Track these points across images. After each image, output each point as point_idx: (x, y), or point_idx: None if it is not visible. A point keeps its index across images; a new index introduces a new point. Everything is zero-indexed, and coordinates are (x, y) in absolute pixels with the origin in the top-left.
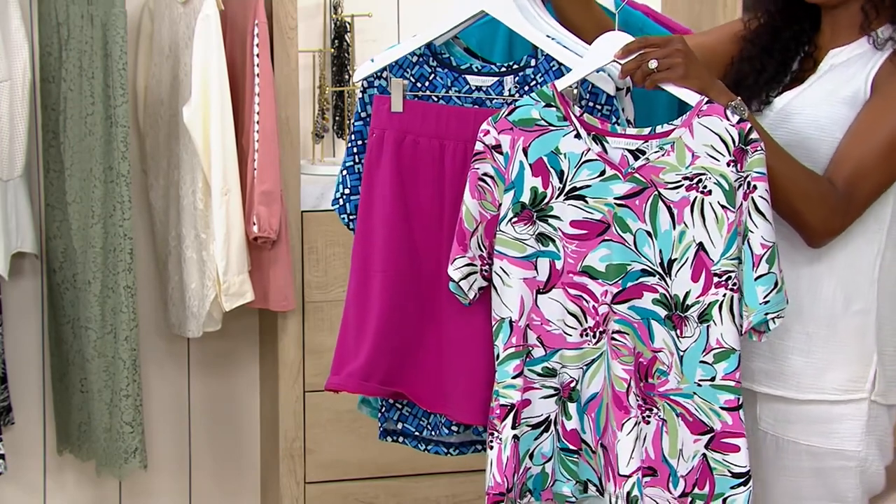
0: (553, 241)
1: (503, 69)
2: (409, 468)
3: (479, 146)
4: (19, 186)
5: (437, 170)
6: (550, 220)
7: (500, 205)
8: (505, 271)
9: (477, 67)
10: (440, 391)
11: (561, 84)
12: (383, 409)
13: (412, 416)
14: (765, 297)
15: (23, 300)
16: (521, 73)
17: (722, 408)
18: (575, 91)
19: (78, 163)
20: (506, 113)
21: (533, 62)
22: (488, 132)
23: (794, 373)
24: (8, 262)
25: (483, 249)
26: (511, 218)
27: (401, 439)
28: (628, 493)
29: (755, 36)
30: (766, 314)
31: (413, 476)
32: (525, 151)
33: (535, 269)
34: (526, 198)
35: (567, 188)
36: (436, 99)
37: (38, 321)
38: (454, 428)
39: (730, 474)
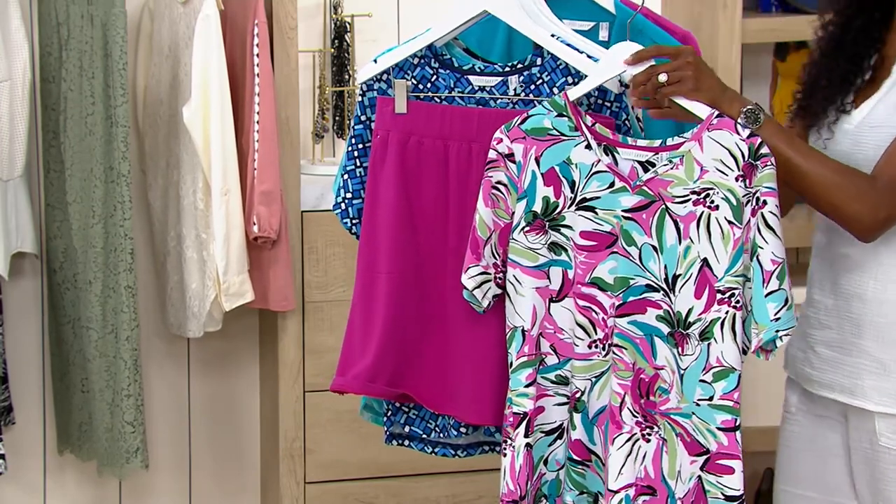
0: (565, 250)
1: (507, 69)
2: (409, 468)
3: (492, 154)
4: (19, 186)
5: (441, 171)
6: (563, 230)
7: (514, 213)
8: (518, 280)
9: (479, 68)
10: (447, 392)
11: (573, 94)
12: (389, 412)
13: (419, 419)
14: (776, 315)
15: (23, 300)
16: (526, 73)
17: (718, 428)
18: None
19: (78, 163)
20: (519, 122)
21: (539, 61)
22: (501, 140)
23: None
24: (8, 262)
25: (497, 257)
26: (523, 227)
27: (407, 443)
28: None
29: (825, 36)
30: (777, 331)
31: (413, 476)
32: (537, 161)
33: (548, 277)
34: (538, 207)
35: (578, 199)
36: (439, 100)
37: (39, 321)
38: (462, 429)
39: (722, 497)
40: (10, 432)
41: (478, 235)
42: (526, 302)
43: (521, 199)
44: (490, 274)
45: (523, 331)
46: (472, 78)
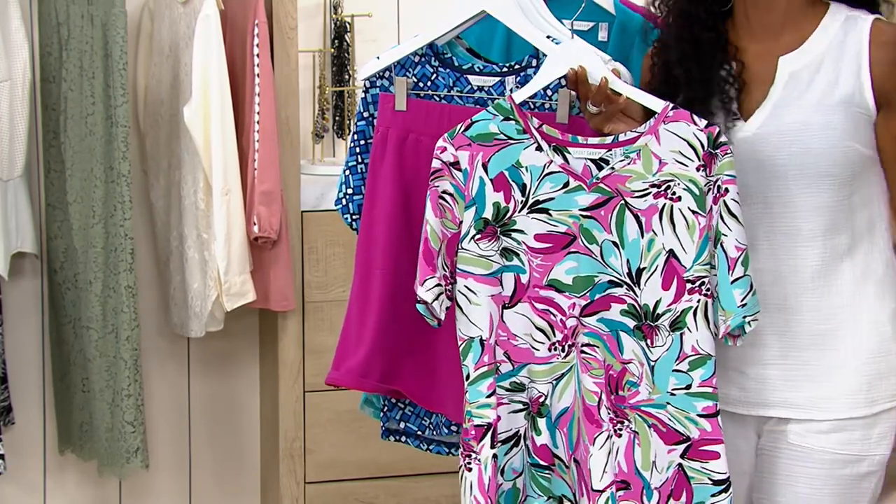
0: (517, 255)
1: (505, 69)
2: (409, 468)
3: (436, 163)
4: (19, 186)
5: None
6: (514, 235)
7: (461, 222)
8: (471, 290)
9: (479, 67)
10: (437, 390)
11: (519, 96)
12: (385, 408)
13: (414, 416)
14: (742, 300)
15: (23, 300)
16: (522, 74)
17: (700, 415)
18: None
19: (78, 163)
20: (462, 128)
21: (535, 62)
22: (445, 149)
23: (850, 392)
24: (8, 262)
25: (446, 269)
26: (474, 235)
27: (403, 439)
28: None
29: (673, 42)
30: (744, 317)
31: (413, 476)
32: (485, 167)
33: (501, 284)
34: (489, 213)
35: (530, 201)
36: (438, 99)
37: (39, 321)
38: (454, 427)
39: (710, 482)
40: (10, 432)
41: (431, 246)
42: (482, 311)
43: (470, 206)
44: (442, 286)
45: (481, 340)
46: (470, 77)
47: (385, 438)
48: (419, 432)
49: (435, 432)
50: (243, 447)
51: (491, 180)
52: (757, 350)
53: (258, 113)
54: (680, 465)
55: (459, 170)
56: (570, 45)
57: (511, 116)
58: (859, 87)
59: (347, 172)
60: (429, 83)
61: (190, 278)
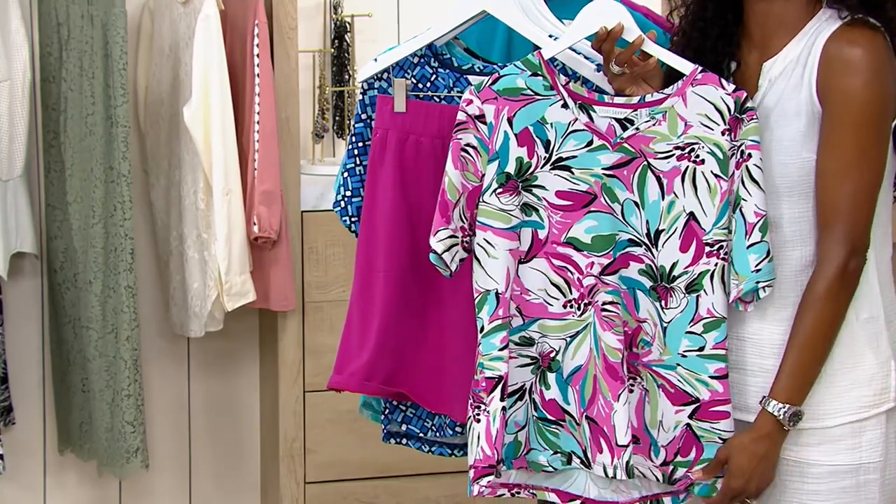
0: (536, 210)
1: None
2: (409, 468)
3: (461, 116)
4: (19, 186)
5: (438, 170)
6: (535, 190)
7: (483, 175)
8: (490, 243)
9: (479, 68)
10: (443, 391)
11: (548, 52)
12: (387, 411)
13: (416, 418)
14: (757, 266)
15: (23, 300)
16: None
17: (712, 377)
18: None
19: (78, 163)
20: (490, 82)
21: None
22: (471, 101)
23: (818, 401)
24: (8, 262)
25: (465, 221)
26: (496, 189)
27: (405, 441)
28: (627, 463)
29: (685, 36)
30: (758, 282)
31: (413, 476)
32: (510, 121)
33: (519, 239)
34: (511, 168)
35: (553, 158)
36: (438, 99)
37: (39, 321)
38: (458, 429)
39: (720, 440)
40: (10, 432)
41: (447, 198)
42: (500, 264)
43: (493, 160)
44: (458, 237)
45: (497, 293)
46: (471, 78)
47: (386, 441)
48: (421, 434)
49: (438, 434)
50: (243, 447)
51: (515, 135)
52: (732, 355)
53: (258, 113)
54: (688, 424)
55: (484, 123)
56: (603, 3)
57: (539, 72)
58: (810, 96)
59: (346, 175)
60: (428, 84)
61: (189, 278)
